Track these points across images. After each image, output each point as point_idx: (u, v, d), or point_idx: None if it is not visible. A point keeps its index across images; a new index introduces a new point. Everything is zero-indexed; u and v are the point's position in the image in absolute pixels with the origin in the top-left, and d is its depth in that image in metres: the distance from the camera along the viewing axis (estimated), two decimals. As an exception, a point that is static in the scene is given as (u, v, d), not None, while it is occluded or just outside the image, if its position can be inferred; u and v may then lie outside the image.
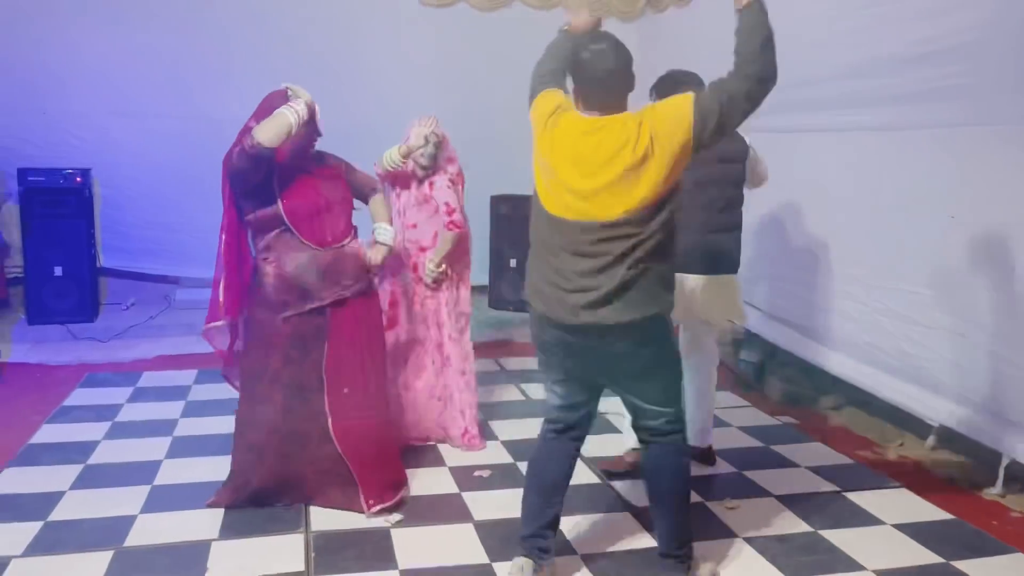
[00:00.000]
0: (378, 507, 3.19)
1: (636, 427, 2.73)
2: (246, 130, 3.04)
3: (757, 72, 2.33)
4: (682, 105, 2.36)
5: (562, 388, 2.67)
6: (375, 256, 3.30)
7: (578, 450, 2.77)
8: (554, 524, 2.75)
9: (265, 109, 3.07)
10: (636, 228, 2.37)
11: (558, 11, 6.57)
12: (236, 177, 3.04)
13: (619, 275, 2.38)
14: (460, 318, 3.88)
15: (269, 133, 2.94)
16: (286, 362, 3.15)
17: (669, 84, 3.25)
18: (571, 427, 2.72)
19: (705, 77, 5.30)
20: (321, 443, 3.17)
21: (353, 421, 3.17)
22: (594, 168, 2.38)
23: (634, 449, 3.48)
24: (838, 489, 3.55)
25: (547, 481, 2.73)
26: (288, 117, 2.97)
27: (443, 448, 3.93)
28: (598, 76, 2.47)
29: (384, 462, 3.29)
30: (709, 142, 2.37)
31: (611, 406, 4.59)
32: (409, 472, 3.59)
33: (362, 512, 3.18)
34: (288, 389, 3.16)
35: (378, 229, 3.39)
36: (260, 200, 3.09)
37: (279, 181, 3.09)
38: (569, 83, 2.60)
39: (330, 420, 3.16)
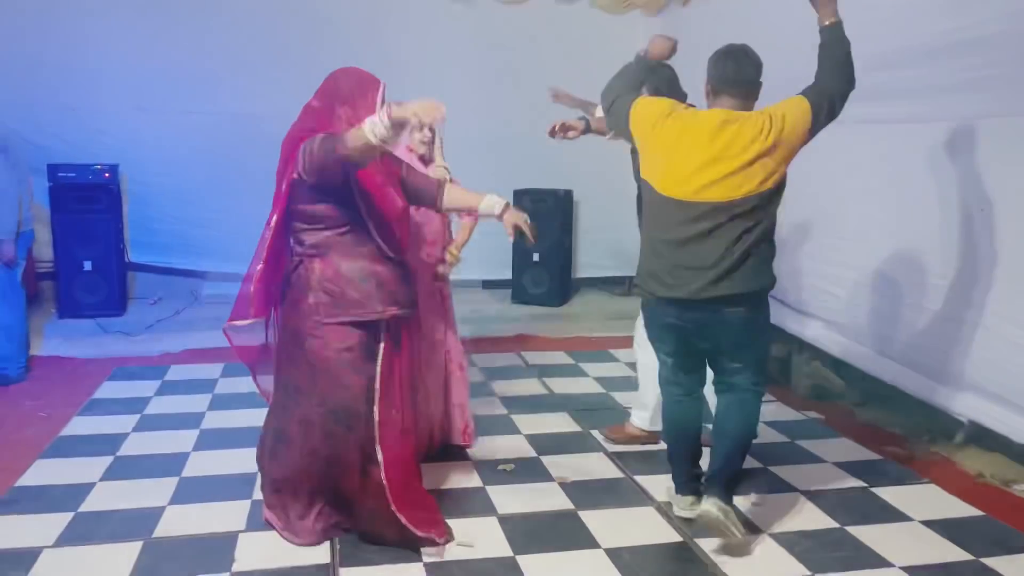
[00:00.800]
0: (444, 539, 2.94)
1: (719, 382, 3.05)
2: (316, 113, 2.81)
3: (847, 77, 2.78)
4: (801, 104, 2.78)
5: (676, 359, 3.04)
6: (510, 219, 2.96)
7: (700, 402, 3.16)
8: (698, 461, 3.16)
9: (351, 95, 2.82)
10: (759, 209, 2.74)
11: (581, 5, 6.56)
12: (317, 169, 2.65)
13: (739, 251, 2.73)
14: (451, 310, 3.77)
15: (360, 155, 2.58)
16: (329, 380, 2.81)
17: None
18: (690, 391, 3.10)
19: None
20: (365, 474, 2.85)
21: (398, 451, 2.90)
22: (732, 153, 2.71)
23: (641, 430, 3.88)
24: (865, 485, 3.51)
25: (690, 433, 3.13)
26: (373, 142, 2.48)
27: (467, 442, 3.93)
28: (744, 80, 2.85)
29: (422, 492, 3.11)
30: (811, 137, 2.79)
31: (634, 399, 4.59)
32: (434, 466, 3.61)
33: (429, 546, 2.90)
34: (329, 410, 2.82)
35: (486, 202, 3.02)
36: (331, 194, 2.73)
37: (355, 178, 2.76)
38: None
39: (379, 450, 2.82)
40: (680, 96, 3.48)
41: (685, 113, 2.86)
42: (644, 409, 3.87)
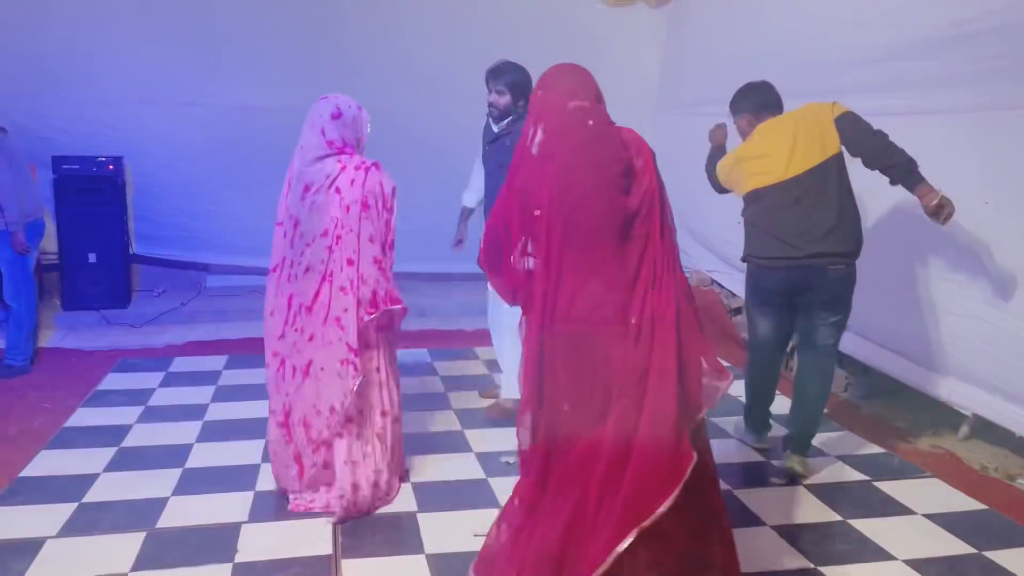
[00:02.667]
0: None
1: (805, 341, 3.48)
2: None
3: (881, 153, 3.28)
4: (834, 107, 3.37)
5: (771, 320, 3.53)
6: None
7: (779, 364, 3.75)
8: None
9: None
10: (835, 169, 3.28)
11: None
12: None
13: (834, 211, 3.26)
14: None
15: None
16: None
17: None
18: (778, 347, 3.62)
19: (732, 62, 5.26)
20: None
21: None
22: (802, 139, 3.31)
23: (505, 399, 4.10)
24: (868, 478, 3.51)
25: (770, 389, 3.72)
26: None
27: (469, 433, 3.94)
28: (778, 100, 3.59)
29: None
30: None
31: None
32: (435, 458, 3.62)
33: None
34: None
35: None
36: None
37: None
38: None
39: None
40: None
41: (756, 138, 3.50)
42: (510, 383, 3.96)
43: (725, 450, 3.72)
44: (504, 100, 3.87)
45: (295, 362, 3.06)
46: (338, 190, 2.95)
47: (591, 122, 2.27)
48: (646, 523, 2.09)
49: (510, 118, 3.91)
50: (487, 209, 4.01)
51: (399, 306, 3.07)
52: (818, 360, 3.46)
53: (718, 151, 3.88)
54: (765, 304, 3.52)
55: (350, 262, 2.95)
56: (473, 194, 4.30)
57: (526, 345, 2.35)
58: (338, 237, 2.96)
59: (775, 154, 3.35)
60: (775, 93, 3.60)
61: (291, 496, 3.17)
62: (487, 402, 4.30)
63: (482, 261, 2.50)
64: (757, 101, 3.59)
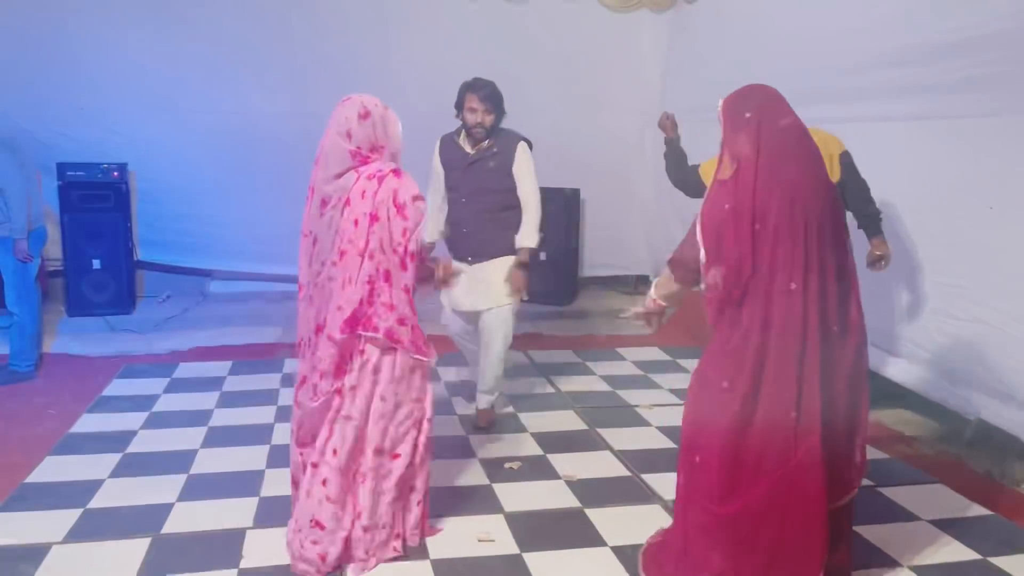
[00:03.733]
0: None
1: None
2: None
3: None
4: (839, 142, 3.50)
5: None
6: None
7: None
8: None
9: None
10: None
11: (587, 3, 6.54)
12: None
13: None
14: None
15: None
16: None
17: None
18: None
19: (733, 68, 5.27)
20: None
21: None
22: None
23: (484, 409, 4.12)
24: (873, 484, 3.50)
25: None
26: None
27: (473, 439, 3.95)
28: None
29: None
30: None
31: (640, 397, 4.59)
32: (440, 464, 3.62)
33: None
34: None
35: None
36: None
37: None
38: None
39: None
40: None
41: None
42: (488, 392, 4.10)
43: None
44: (491, 118, 3.78)
45: (312, 382, 2.80)
46: (348, 202, 2.68)
47: (803, 136, 2.43)
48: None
49: (489, 138, 3.83)
50: (457, 237, 3.96)
51: (376, 334, 2.67)
52: None
53: (674, 144, 3.79)
54: None
55: (349, 281, 2.66)
56: (433, 226, 4.00)
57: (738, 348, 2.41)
58: (342, 253, 2.68)
59: None
60: None
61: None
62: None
63: (681, 279, 2.62)
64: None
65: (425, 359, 2.80)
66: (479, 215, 3.86)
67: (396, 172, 2.70)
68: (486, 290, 3.89)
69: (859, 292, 2.49)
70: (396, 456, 2.78)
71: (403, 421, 2.79)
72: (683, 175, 3.76)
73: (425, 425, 2.86)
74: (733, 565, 2.45)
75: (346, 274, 2.68)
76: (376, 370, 2.72)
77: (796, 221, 2.32)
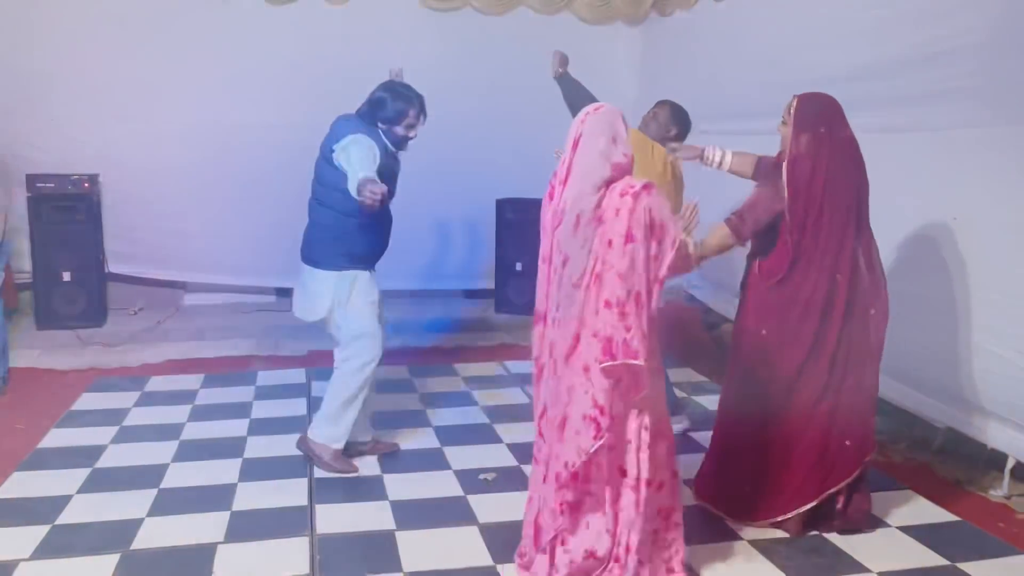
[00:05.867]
0: None
1: None
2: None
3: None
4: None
5: None
6: None
7: None
8: None
9: None
10: None
11: (563, 15, 6.60)
12: None
13: None
14: None
15: None
16: None
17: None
18: None
19: (707, 79, 5.31)
20: None
21: None
22: None
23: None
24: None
25: None
26: None
27: (448, 451, 3.93)
28: None
29: None
30: None
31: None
32: (413, 476, 3.61)
33: None
34: None
35: None
36: None
37: None
38: None
39: None
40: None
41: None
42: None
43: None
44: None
45: (553, 414, 2.66)
46: (600, 220, 2.51)
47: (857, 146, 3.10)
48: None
49: None
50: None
51: (638, 361, 2.49)
52: None
53: (566, 78, 3.99)
54: None
55: (607, 304, 2.50)
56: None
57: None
58: (597, 276, 2.52)
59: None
60: None
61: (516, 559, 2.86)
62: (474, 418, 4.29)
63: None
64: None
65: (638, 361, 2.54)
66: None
67: (647, 188, 2.51)
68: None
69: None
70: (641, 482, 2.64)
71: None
72: (582, 102, 3.29)
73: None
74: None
75: (602, 296, 2.52)
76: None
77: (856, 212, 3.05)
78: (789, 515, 3.12)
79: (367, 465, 3.72)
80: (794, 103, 3.09)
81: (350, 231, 3.50)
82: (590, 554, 2.64)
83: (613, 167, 2.53)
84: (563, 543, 2.67)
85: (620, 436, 2.58)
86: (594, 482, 2.60)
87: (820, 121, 3.03)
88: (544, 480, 2.71)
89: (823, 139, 3.00)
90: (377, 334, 3.59)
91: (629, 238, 2.47)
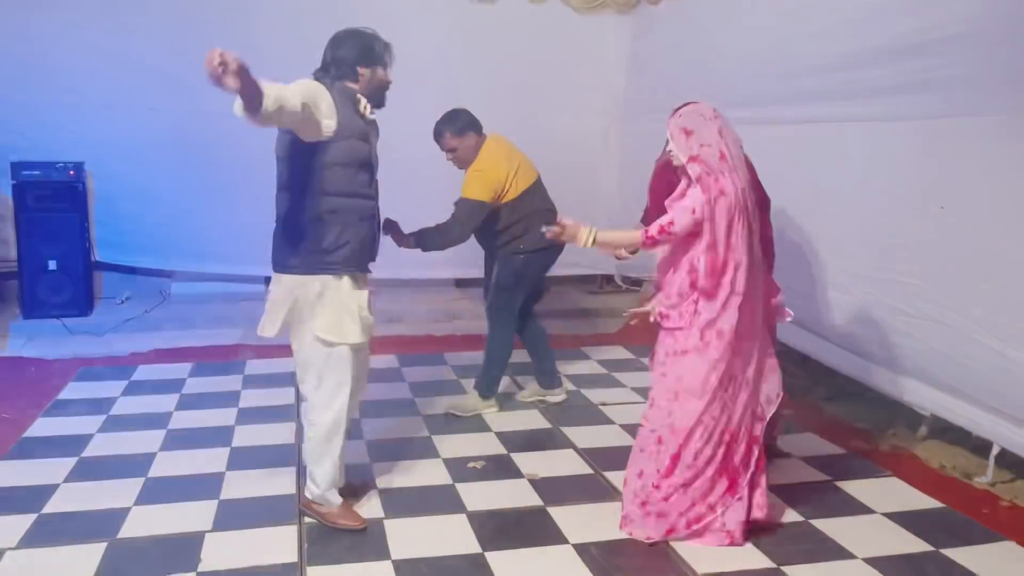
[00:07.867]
0: None
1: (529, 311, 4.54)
2: None
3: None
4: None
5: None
6: None
7: None
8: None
9: None
10: None
11: (552, 4, 6.57)
12: None
13: None
14: None
15: None
16: None
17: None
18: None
19: (695, 69, 5.28)
20: None
21: None
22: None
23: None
24: (829, 478, 3.56)
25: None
26: None
27: (436, 439, 3.94)
28: None
29: None
30: None
31: (605, 396, 4.62)
32: (402, 464, 3.61)
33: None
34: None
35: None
36: None
37: None
38: None
39: None
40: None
41: None
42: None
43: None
44: None
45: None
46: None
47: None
48: None
49: None
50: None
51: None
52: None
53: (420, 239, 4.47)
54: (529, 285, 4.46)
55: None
56: None
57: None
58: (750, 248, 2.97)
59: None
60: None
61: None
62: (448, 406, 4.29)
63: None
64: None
65: None
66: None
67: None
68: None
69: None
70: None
71: None
72: (435, 233, 4.34)
73: None
74: None
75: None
76: None
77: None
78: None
79: (356, 454, 3.72)
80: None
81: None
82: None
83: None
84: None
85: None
86: None
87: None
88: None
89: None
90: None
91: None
